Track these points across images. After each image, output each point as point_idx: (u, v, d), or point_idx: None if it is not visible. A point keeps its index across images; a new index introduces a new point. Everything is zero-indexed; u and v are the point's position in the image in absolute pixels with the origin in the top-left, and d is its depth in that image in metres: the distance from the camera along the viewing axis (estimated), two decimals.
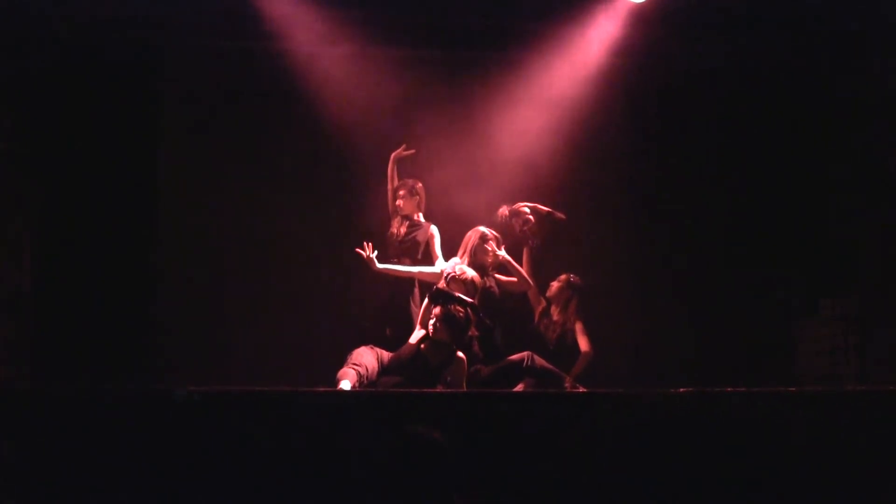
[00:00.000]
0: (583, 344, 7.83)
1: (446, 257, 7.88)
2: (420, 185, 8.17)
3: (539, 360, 7.30)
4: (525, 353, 7.32)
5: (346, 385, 6.69)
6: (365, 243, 7.69)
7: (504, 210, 8.16)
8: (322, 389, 6.32)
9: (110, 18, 8.32)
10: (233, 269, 8.83)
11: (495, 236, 7.79)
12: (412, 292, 7.93)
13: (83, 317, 8.35)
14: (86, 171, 8.58)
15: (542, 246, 8.14)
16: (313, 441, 5.57)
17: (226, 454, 5.47)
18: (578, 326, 7.89)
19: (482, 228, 7.81)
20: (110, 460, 5.42)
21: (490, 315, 7.60)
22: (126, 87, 8.69)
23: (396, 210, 8.12)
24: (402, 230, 8.06)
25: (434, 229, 8.08)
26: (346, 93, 8.76)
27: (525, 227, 8.10)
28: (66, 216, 8.56)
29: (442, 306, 7.02)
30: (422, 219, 8.14)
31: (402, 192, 8.11)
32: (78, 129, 8.57)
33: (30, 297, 8.37)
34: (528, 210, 8.14)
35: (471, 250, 7.72)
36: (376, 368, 7.02)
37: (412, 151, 8.37)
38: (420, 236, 8.05)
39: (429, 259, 8.01)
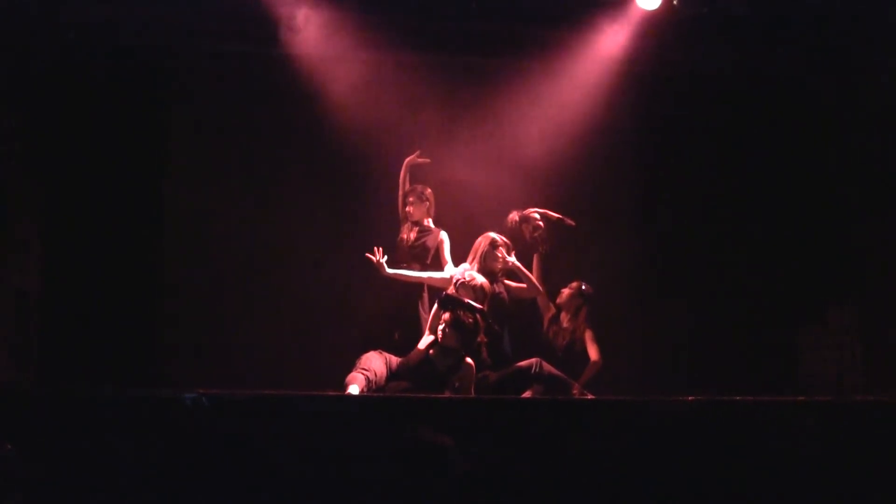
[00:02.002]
0: (592, 352, 7.80)
1: (456, 263, 7.87)
2: (429, 190, 8.18)
3: (548, 367, 7.28)
4: (534, 360, 7.30)
5: (354, 390, 6.70)
6: (374, 248, 7.69)
7: (514, 216, 8.16)
8: (331, 394, 6.33)
9: (117, 20, 8.34)
10: (241, 273, 8.82)
11: (505, 242, 7.77)
12: (421, 297, 7.93)
13: (90, 318, 8.35)
14: (92, 173, 8.59)
15: (552, 252, 8.13)
16: (322, 445, 5.58)
17: (234, 458, 5.49)
18: (588, 334, 7.86)
19: (492, 234, 7.79)
20: (119, 463, 5.44)
21: (499, 321, 7.61)
22: (133, 89, 8.71)
23: (406, 216, 8.13)
24: (412, 235, 8.07)
25: (444, 235, 8.09)
26: (354, 97, 8.74)
27: (535, 234, 8.10)
28: (72, 218, 8.57)
29: (451, 312, 7.03)
30: (431, 224, 8.15)
31: (411, 199, 8.12)
32: (84, 131, 8.58)
33: (36, 298, 8.38)
34: (538, 216, 8.13)
35: (480, 256, 7.70)
36: (385, 373, 7.02)
37: (427, 160, 8.37)
38: (430, 242, 8.06)
39: (438, 264, 8.01)
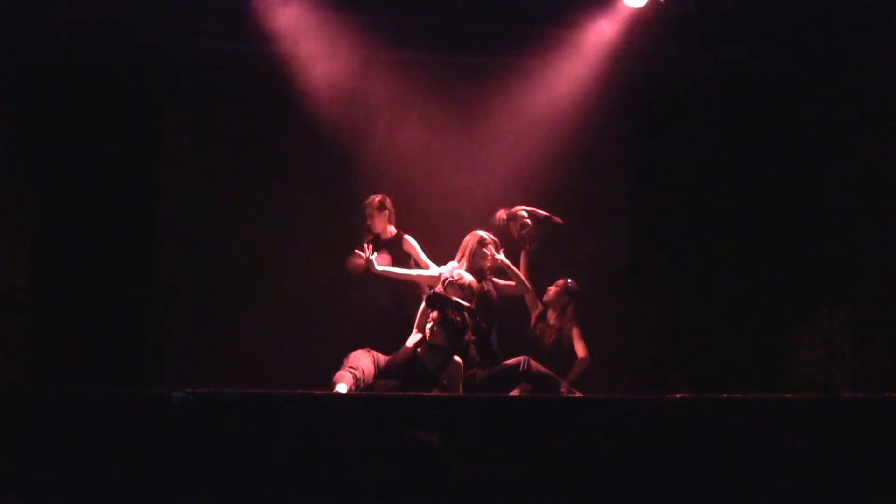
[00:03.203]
0: (580, 349, 7.81)
1: (445, 261, 7.84)
2: (388, 199, 8.05)
3: (535, 365, 7.27)
4: (521, 358, 7.29)
5: (342, 388, 6.70)
6: (365, 245, 7.68)
7: (502, 214, 8.15)
8: (319, 392, 6.33)
9: (113, 20, 8.33)
10: (231, 271, 8.81)
11: (493, 240, 7.76)
12: (412, 295, 7.90)
13: (80, 317, 8.35)
14: (85, 172, 8.59)
15: (540, 250, 8.12)
16: (310, 444, 5.58)
17: (222, 457, 5.49)
18: (575, 332, 7.86)
19: (480, 232, 7.77)
20: (107, 462, 5.44)
21: (487, 319, 7.61)
22: (127, 88, 8.71)
23: (367, 229, 8.02)
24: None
25: (411, 240, 8.03)
26: (346, 96, 8.77)
27: (523, 231, 8.09)
28: (64, 216, 8.57)
29: (439, 311, 7.03)
30: (393, 230, 8.07)
31: (368, 211, 7.99)
32: (78, 130, 8.58)
33: (26, 296, 8.37)
34: (525, 214, 8.13)
35: (469, 254, 7.69)
36: (373, 372, 7.03)
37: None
38: (400, 253, 7.99)
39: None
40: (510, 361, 7.32)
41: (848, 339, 8.62)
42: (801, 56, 8.86)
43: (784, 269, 9.09)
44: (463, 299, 7.23)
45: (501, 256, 7.76)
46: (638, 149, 9.26)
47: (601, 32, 8.67)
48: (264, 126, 9.02)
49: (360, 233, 8.05)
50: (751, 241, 9.17)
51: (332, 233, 8.78)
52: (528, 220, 8.10)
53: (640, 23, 8.51)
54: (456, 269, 7.52)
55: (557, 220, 8.16)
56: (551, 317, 7.96)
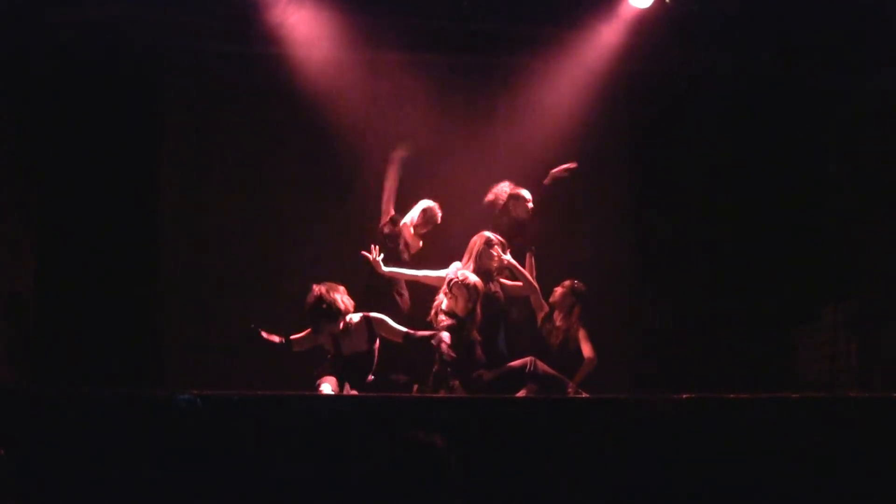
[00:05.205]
0: (586, 350, 7.79)
1: (450, 262, 7.82)
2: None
3: (542, 366, 7.28)
4: (528, 359, 7.30)
5: (326, 388, 6.66)
6: (371, 246, 7.67)
7: (505, 187, 8.11)
8: (324, 394, 6.32)
9: (112, 20, 8.32)
10: (235, 272, 8.82)
11: (500, 241, 7.73)
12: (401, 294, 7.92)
13: (84, 319, 8.34)
14: (87, 173, 8.59)
15: (538, 246, 8.05)
16: (315, 445, 5.58)
17: (228, 458, 5.48)
18: (582, 333, 7.84)
19: (487, 233, 7.74)
20: (113, 465, 5.43)
21: (494, 320, 7.60)
22: (128, 89, 8.71)
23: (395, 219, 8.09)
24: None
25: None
26: (349, 96, 8.77)
27: (523, 215, 8.06)
28: (67, 218, 8.56)
29: None
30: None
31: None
32: (79, 131, 8.58)
33: (30, 299, 8.36)
34: (529, 197, 8.10)
35: (476, 255, 7.66)
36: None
37: (408, 152, 8.27)
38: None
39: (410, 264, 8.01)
40: (517, 363, 7.33)
41: (852, 338, 8.62)
42: (805, 54, 8.86)
43: (788, 268, 9.09)
44: (468, 299, 7.24)
45: (508, 257, 7.73)
46: (643, 148, 9.26)
47: (606, 33, 8.67)
48: (265, 127, 9.02)
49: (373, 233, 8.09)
50: (754, 241, 9.17)
51: (335, 233, 8.78)
52: (530, 205, 8.06)
53: (645, 23, 8.52)
54: (461, 270, 7.51)
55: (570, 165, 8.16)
56: (557, 318, 7.93)
